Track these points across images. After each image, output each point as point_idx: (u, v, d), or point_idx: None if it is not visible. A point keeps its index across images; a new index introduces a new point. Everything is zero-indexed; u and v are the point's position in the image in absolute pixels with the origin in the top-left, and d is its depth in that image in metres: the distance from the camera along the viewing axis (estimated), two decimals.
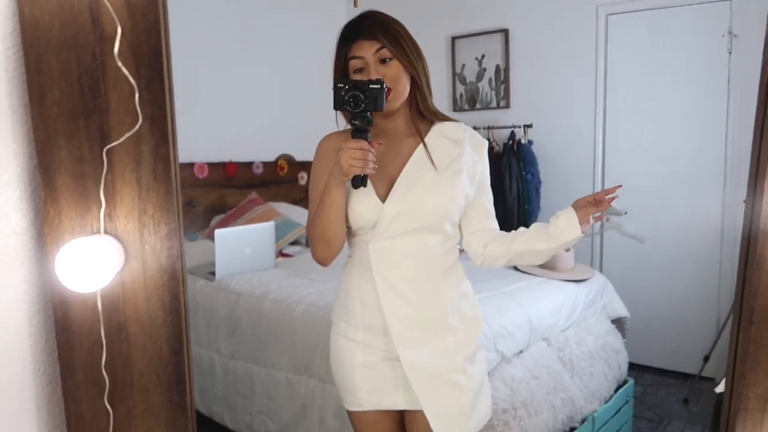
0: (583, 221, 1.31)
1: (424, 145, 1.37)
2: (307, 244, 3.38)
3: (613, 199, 1.32)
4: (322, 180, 1.32)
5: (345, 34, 1.35)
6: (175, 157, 0.77)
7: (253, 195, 3.46)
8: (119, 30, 0.72)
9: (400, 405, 1.40)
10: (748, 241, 0.84)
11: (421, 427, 1.38)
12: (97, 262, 0.73)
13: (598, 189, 3.52)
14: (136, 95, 0.73)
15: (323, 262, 1.38)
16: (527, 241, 1.39)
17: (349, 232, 1.41)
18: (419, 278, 1.37)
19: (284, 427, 2.38)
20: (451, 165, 1.37)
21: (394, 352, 1.36)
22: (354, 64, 1.32)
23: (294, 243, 3.36)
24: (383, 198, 1.34)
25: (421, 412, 1.37)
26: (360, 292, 1.39)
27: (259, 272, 2.79)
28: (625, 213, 3.45)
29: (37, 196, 0.79)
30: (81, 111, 0.74)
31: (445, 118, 1.44)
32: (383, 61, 1.31)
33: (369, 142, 1.21)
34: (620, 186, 1.33)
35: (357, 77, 1.32)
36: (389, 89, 1.28)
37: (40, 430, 0.83)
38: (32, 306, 0.81)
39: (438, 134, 1.40)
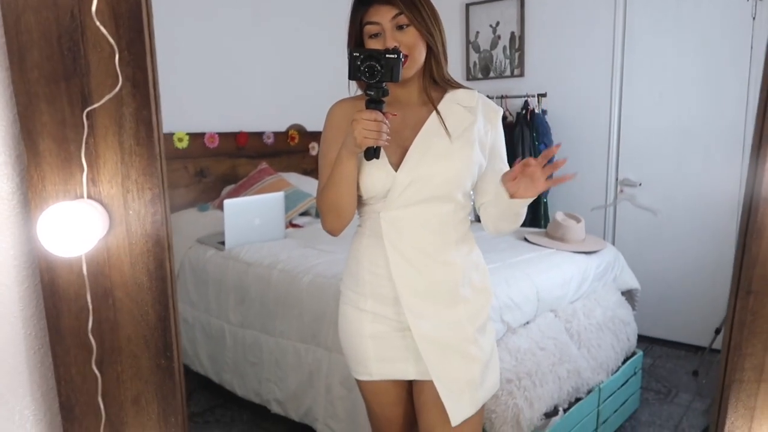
0: (515, 190, 1.23)
1: (437, 112, 1.33)
2: (317, 215, 3.38)
3: (557, 162, 1.20)
4: (333, 148, 1.30)
5: None
6: (159, 121, 0.76)
7: (264, 165, 3.45)
8: None
9: (410, 375, 1.39)
10: (749, 209, 0.80)
11: (429, 397, 1.38)
12: (80, 226, 0.72)
13: (613, 160, 3.46)
14: (116, 56, 0.72)
15: (333, 232, 1.36)
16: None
17: (360, 201, 1.38)
18: (431, 248, 1.34)
19: (292, 394, 2.41)
20: (465, 133, 1.33)
21: (404, 322, 1.35)
22: (369, 29, 1.27)
23: (304, 213, 3.36)
24: (396, 166, 1.30)
25: (429, 382, 1.36)
26: (370, 262, 1.37)
27: (268, 242, 2.80)
28: (640, 184, 3.39)
29: (21, 161, 0.78)
30: (61, 73, 0.73)
31: (459, 86, 1.39)
32: (400, 28, 1.26)
33: (383, 113, 1.17)
34: (559, 145, 1.25)
35: (372, 43, 1.27)
36: (405, 55, 1.24)
37: (33, 393, 0.84)
38: (20, 271, 0.82)
39: (451, 101, 1.36)
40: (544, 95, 3.49)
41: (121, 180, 0.76)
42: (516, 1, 3.57)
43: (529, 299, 2.45)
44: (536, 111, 3.45)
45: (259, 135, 3.62)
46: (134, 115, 0.74)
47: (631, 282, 3.08)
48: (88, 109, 0.71)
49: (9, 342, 0.81)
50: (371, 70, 1.16)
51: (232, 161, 3.49)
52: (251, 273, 2.60)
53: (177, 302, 0.79)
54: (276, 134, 3.71)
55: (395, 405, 1.46)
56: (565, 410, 2.33)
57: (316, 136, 3.91)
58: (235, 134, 3.49)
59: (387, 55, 1.15)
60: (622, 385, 2.75)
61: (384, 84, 1.17)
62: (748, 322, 0.82)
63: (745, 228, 0.80)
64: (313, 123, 3.87)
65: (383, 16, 1.25)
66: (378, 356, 1.39)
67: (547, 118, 3.47)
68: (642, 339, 3.18)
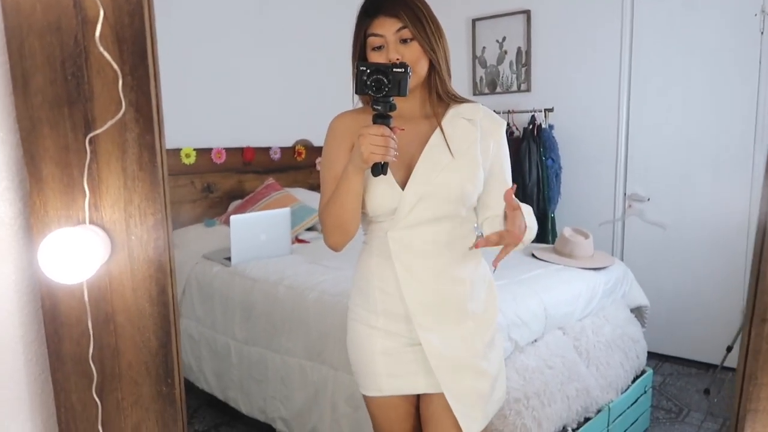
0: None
1: (441, 129, 1.33)
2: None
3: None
4: (336, 162, 1.30)
5: (366, 8, 1.30)
6: (162, 146, 0.75)
7: (270, 180, 3.45)
8: (101, 13, 0.70)
9: (420, 389, 1.40)
10: (763, 236, 0.78)
11: (437, 409, 1.38)
12: (81, 252, 0.71)
13: (621, 175, 3.43)
14: (120, 81, 0.71)
15: (336, 247, 1.35)
16: None
17: (365, 219, 1.38)
18: (440, 265, 1.34)
19: (297, 412, 2.39)
20: (469, 148, 1.33)
21: (415, 338, 1.36)
22: (373, 41, 1.27)
23: (310, 229, 3.36)
24: (401, 184, 1.30)
25: (438, 395, 1.37)
26: (380, 280, 1.37)
27: (274, 258, 2.79)
28: (648, 199, 3.36)
29: (24, 186, 0.78)
30: (65, 98, 0.72)
31: (464, 100, 1.39)
32: (404, 41, 1.26)
33: (391, 128, 1.16)
34: (515, 186, 1.23)
35: (374, 55, 1.27)
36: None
37: (34, 420, 0.83)
38: (22, 297, 0.81)
39: (455, 116, 1.36)
40: (551, 110, 3.48)
41: (123, 205, 0.75)
42: (522, 17, 3.57)
43: (536, 316, 2.42)
44: (543, 126, 3.44)
45: (266, 150, 3.63)
46: (137, 140, 0.73)
47: (641, 298, 3.05)
48: (91, 134, 0.71)
49: (10, 368, 0.80)
50: (378, 84, 1.14)
51: (239, 176, 3.50)
52: (257, 289, 2.59)
53: (179, 328, 0.78)
54: (283, 149, 3.72)
55: (403, 421, 1.46)
56: (574, 430, 2.30)
57: (322, 151, 3.91)
58: (241, 149, 3.50)
59: (394, 69, 1.14)
60: (632, 404, 2.71)
61: (391, 98, 1.15)
62: (763, 350, 0.80)
63: (759, 254, 0.78)
64: (320, 138, 3.85)
65: (388, 29, 1.26)
66: (389, 372, 1.39)
67: (554, 133, 3.46)
68: (652, 356, 3.14)
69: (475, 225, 1.43)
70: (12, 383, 0.82)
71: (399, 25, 1.25)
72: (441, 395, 1.36)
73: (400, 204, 1.29)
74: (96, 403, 0.78)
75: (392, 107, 1.15)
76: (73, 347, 0.78)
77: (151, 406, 0.80)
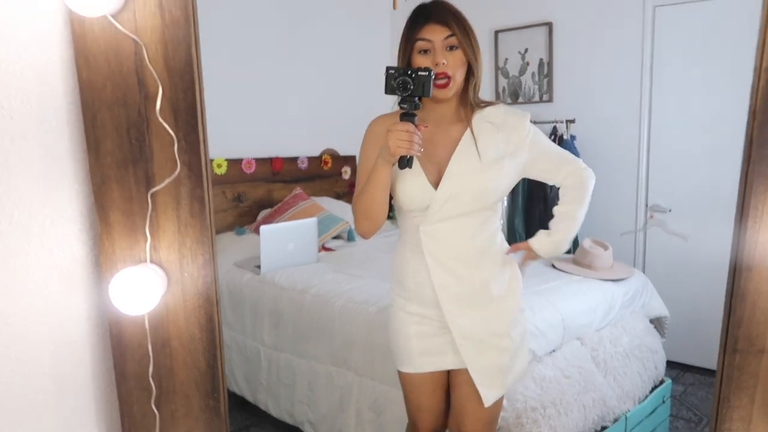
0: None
1: (472, 133, 1.49)
2: (349, 238, 3.51)
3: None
4: (371, 159, 1.47)
5: (417, 14, 1.44)
6: (209, 197, 0.90)
7: (298, 190, 3.61)
8: (161, 90, 0.85)
9: (448, 366, 1.60)
10: (734, 274, 0.89)
11: (463, 383, 1.59)
12: (145, 288, 0.87)
13: (642, 186, 3.50)
14: (175, 145, 0.86)
15: (365, 235, 1.55)
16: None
17: (400, 216, 1.58)
18: (467, 256, 1.53)
19: (323, 416, 2.53)
20: (497, 151, 1.49)
21: (444, 322, 1.55)
22: (421, 45, 1.40)
23: (336, 237, 3.50)
24: (433, 182, 1.47)
25: (464, 370, 1.56)
26: (414, 272, 1.56)
27: (301, 266, 2.94)
28: (670, 210, 3.42)
29: (94, 229, 0.93)
30: (129, 159, 0.88)
31: (487, 104, 1.55)
32: (449, 48, 1.39)
33: (416, 125, 1.31)
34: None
35: (420, 59, 1.41)
36: (449, 76, 1.39)
37: (100, 428, 0.99)
38: (91, 322, 0.97)
39: (481, 120, 1.52)
40: (572, 121, 3.56)
41: (178, 247, 0.90)
42: (544, 29, 3.66)
43: (554, 327, 2.52)
44: (565, 137, 3.53)
45: (294, 160, 3.79)
46: (189, 193, 0.88)
47: (660, 309, 3.11)
48: (153, 190, 0.86)
49: (81, 384, 0.96)
50: (404, 85, 1.30)
51: (268, 186, 3.67)
52: (285, 297, 2.75)
53: (223, 349, 0.92)
54: (310, 159, 3.87)
55: (432, 394, 1.66)
56: None
57: (349, 160, 4.07)
58: (270, 159, 3.67)
59: (419, 72, 1.30)
60: (650, 413, 2.78)
61: (416, 98, 1.31)
62: (735, 377, 0.91)
63: (731, 292, 0.90)
64: (346, 148, 4.03)
65: (437, 35, 1.39)
66: (421, 351, 1.59)
67: (576, 143, 3.54)
68: (674, 366, 3.19)
69: (501, 219, 1.66)
70: (83, 397, 0.98)
71: (448, 32, 1.38)
72: (466, 370, 1.56)
73: (432, 201, 1.46)
74: (154, 413, 0.93)
75: (417, 106, 1.31)
76: (135, 367, 0.93)
77: (200, 416, 0.95)
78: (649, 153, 3.45)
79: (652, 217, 3.49)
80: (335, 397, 2.50)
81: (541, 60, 3.73)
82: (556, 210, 1.69)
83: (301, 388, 2.62)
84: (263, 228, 2.89)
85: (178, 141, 0.86)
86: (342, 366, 2.50)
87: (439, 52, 1.37)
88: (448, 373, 1.65)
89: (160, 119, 0.84)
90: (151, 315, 0.90)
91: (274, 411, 2.73)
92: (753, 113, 0.86)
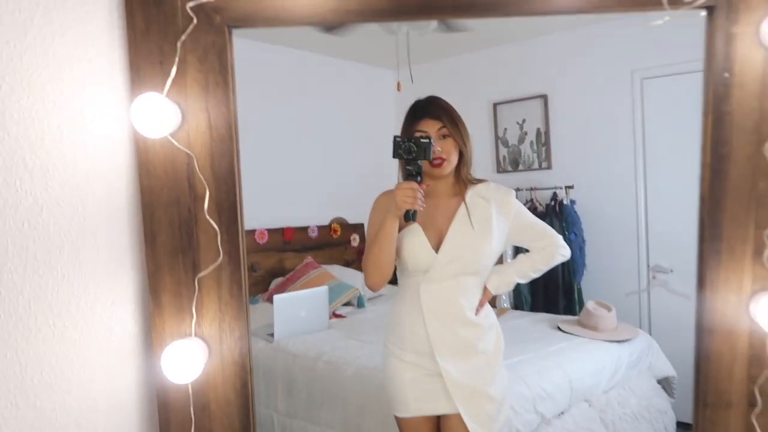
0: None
1: (467, 206, 1.79)
2: (359, 305, 3.67)
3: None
4: (377, 223, 1.74)
5: (414, 110, 1.79)
6: (245, 280, 1.09)
7: (309, 259, 3.79)
8: (207, 192, 1.05)
9: (440, 411, 1.80)
10: (699, 336, 1.06)
11: (454, 424, 1.78)
12: (190, 358, 1.04)
13: (643, 247, 3.66)
14: (219, 238, 1.05)
15: (374, 287, 1.80)
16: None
17: (402, 275, 1.84)
18: (459, 312, 1.77)
19: None
20: (486, 222, 1.78)
21: (437, 370, 1.76)
22: (418, 135, 1.72)
23: (347, 304, 3.65)
24: (434, 246, 1.75)
25: (455, 415, 1.76)
26: (411, 324, 1.79)
27: (313, 333, 3.08)
28: (671, 270, 3.57)
29: (146, 309, 1.12)
30: (180, 249, 1.07)
31: (479, 181, 1.86)
32: (443, 137, 1.73)
33: (419, 184, 1.59)
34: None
35: None
36: (443, 159, 1.71)
37: None
38: (141, 390, 1.13)
39: (475, 195, 1.82)
40: (571, 187, 3.77)
41: (218, 323, 1.07)
42: (540, 101, 3.94)
43: (561, 389, 2.63)
44: (564, 202, 3.73)
45: (304, 229, 4.00)
46: (229, 277, 1.07)
47: (667, 369, 3.20)
48: (199, 275, 1.04)
49: None
50: (408, 149, 1.58)
51: (280, 255, 3.86)
52: (298, 364, 2.88)
53: (255, 412, 1.08)
54: (319, 227, 4.08)
55: None
56: None
57: (357, 228, 4.27)
58: (282, 229, 3.87)
59: (422, 140, 1.59)
60: None
61: (419, 161, 1.59)
62: (708, 429, 1.05)
63: (698, 352, 1.05)
64: (354, 216, 4.24)
65: (431, 128, 1.74)
66: (416, 397, 1.80)
67: (576, 208, 3.74)
68: (686, 427, 3.25)
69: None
70: None
71: (440, 125, 1.73)
72: (457, 416, 1.75)
73: (434, 264, 1.74)
74: None
75: (419, 168, 1.60)
76: (178, 429, 1.09)
77: None
78: (647, 215, 3.63)
79: (654, 277, 3.63)
80: None
81: (538, 129, 3.98)
82: (519, 255, 1.95)
83: None
84: (276, 297, 3.05)
85: (221, 234, 1.05)
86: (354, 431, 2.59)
87: (434, 140, 1.69)
88: (439, 420, 1.84)
89: (207, 216, 1.03)
90: (194, 382, 1.07)
91: None
92: (702, 200, 1.05)
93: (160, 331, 1.08)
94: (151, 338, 1.09)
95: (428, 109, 1.76)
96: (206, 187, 1.04)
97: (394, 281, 1.99)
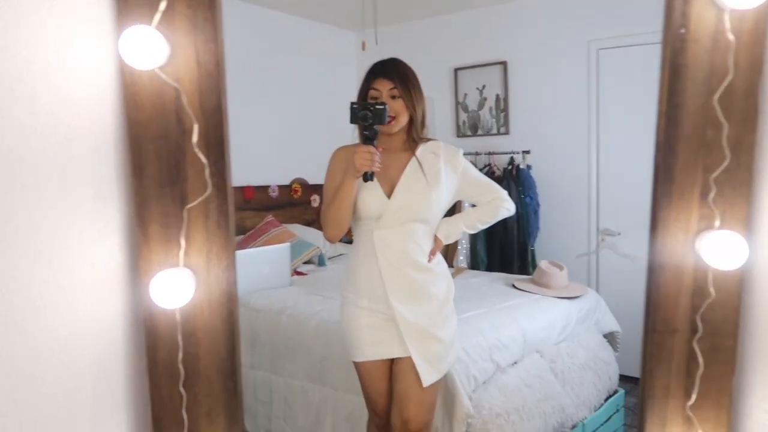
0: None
1: (417, 159, 1.94)
2: (320, 263, 3.73)
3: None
4: (336, 177, 1.87)
5: (372, 70, 1.91)
6: (232, 212, 1.13)
7: (270, 217, 3.82)
8: (195, 126, 1.08)
9: (395, 354, 1.94)
10: (650, 270, 1.17)
11: (406, 370, 1.93)
12: (178, 287, 1.08)
13: (594, 211, 3.85)
14: (206, 170, 1.09)
15: (332, 239, 1.94)
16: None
17: (357, 224, 1.95)
18: (411, 257, 1.91)
19: (300, 430, 2.71)
20: (436, 175, 1.93)
21: (391, 314, 1.90)
22: (372, 93, 1.88)
23: (307, 262, 3.71)
24: (387, 195, 1.89)
25: (407, 358, 1.92)
26: (365, 270, 1.93)
27: (276, 290, 3.14)
28: (619, 233, 3.77)
29: (134, 240, 1.15)
30: (167, 181, 1.10)
31: (429, 140, 2.01)
32: (393, 97, 1.86)
33: (375, 147, 1.72)
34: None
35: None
36: (393, 117, 1.84)
37: (135, 407, 1.19)
38: (127, 318, 1.17)
39: (425, 151, 1.97)
40: (528, 152, 3.92)
41: (205, 253, 1.12)
42: (500, 67, 4.04)
43: (515, 340, 2.79)
44: (521, 166, 3.87)
45: (265, 188, 4.01)
46: (217, 209, 1.11)
47: (613, 325, 3.42)
48: (188, 206, 1.08)
49: (116, 369, 1.17)
50: (365, 116, 1.70)
51: (240, 213, 3.87)
52: (261, 318, 2.94)
53: (246, 338, 1.14)
54: (280, 187, 4.10)
55: (382, 380, 2.00)
56: None
57: (317, 189, 4.30)
58: (242, 188, 3.87)
59: (377, 106, 1.71)
60: (605, 421, 3.06)
61: (375, 126, 1.71)
62: (655, 353, 1.17)
63: (649, 284, 1.17)
64: (314, 176, 4.28)
65: (383, 87, 1.86)
66: (371, 341, 1.94)
67: (532, 172, 3.89)
68: (627, 380, 3.48)
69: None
70: (117, 380, 1.18)
71: (391, 85, 1.86)
72: (408, 358, 1.90)
73: (386, 210, 1.88)
74: (182, 395, 1.13)
75: (376, 132, 1.73)
76: (166, 355, 1.14)
77: (220, 397, 1.16)
78: (599, 181, 3.81)
79: (603, 240, 3.83)
80: (311, 411, 2.69)
81: (497, 95, 4.09)
82: (467, 208, 2.18)
83: (277, 404, 2.79)
84: (239, 253, 3.05)
85: (209, 167, 1.09)
86: (317, 382, 2.69)
87: (385, 99, 1.84)
88: (392, 363, 1.98)
89: (196, 149, 1.07)
90: (181, 310, 1.12)
91: (251, 428, 2.89)
92: (658, 146, 1.15)
93: (148, 260, 1.11)
94: (138, 268, 1.13)
95: (383, 70, 1.88)
96: (194, 121, 1.08)
97: (350, 241, 2.10)
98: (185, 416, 1.14)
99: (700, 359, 1.15)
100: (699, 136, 1.15)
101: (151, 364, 1.14)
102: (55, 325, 1.10)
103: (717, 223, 1.14)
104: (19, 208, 1.05)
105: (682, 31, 1.12)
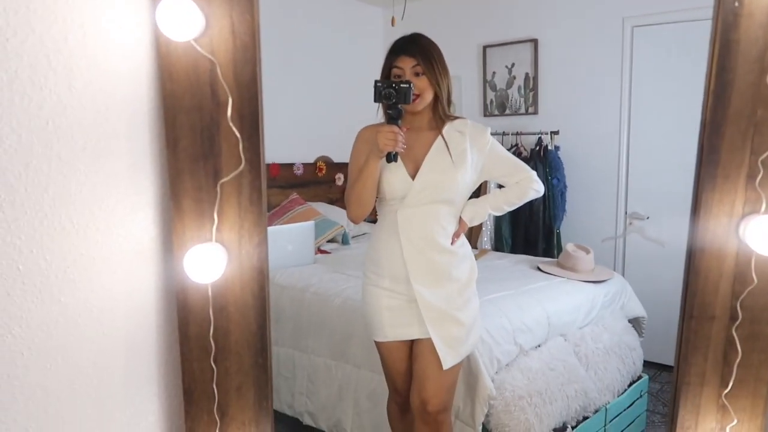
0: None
1: (443, 139, 1.88)
2: (344, 242, 3.73)
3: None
4: (361, 157, 1.83)
5: (394, 47, 1.85)
6: (264, 188, 1.12)
7: (295, 195, 3.82)
8: (230, 99, 1.07)
9: (414, 335, 1.92)
10: (690, 254, 1.14)
11: (426, 352, 1.89)
12: (211, 261, 1.08)
13: (622, 194, 3.78)
14: (240, 145, 1.08)
15: (356, 220, 1.92)
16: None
17: (381, 204, 1.92)
18: (434, 238, 1.87)
19: (322, 407, 2.73)
20: (461, 154, 1.87)
21: (412, 295, 1.87)
22: (395, 71, 1.82)
23: (331, 240, 3.71)
24: (411, 175, 1.84)
25: (427, 339, 1.87)
26: (387, 250, 1.90)
27: (300, 267, 3.15)
28: (648, 218, 3.70)
29: (167, 214, 1.15)
30: (201, 155, 1.09)
31: (456, 118, 1.94)
32: (417, 74, 1.79)
33: (399, 127, 1.68)
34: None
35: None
36: (417, 95, 1.77)
37: (167, 380, 1.20)
38: (159, 291, 1.18)
39: (451, 129, 1.91)
40: (556, 132, 3.84)
41: (237, 229, 1.12)
42: (530, 45, 3.95)
43: (540, 323, 2.76)
44: (549, 147, 3.80)
45: (290, 166, 4.00)
46: (249, 185, 1.10)
47: (638, 310, 3.37)
48: (222, 181, 1.08)
49: (149, 342, 1.18)
50: (389, 95, 1.66)
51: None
52: (285, 295, 2.95)
53: (271, 315, 1.14)
54: (305, 165, 4.09)
55: (402, 360, 1.99)
56: (573, 427, 2.62)
57: (342, 167, 4.29)
58: (267, 165, 3.87)
59: (402, 85, 1.67)
60: (629, 406, 3.03)
61: (399, 105, 1.68)
62: (692, 339, 1.15)
63: (687, 269, 1.14)
64: (339, 155, 4.26)
65: (406, 64, 1.79)
66: (391, 322, 1.92)
67: (560, 154, 3.82)
68: (651, 366, 3.44)
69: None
70: (150, 354, 1.19)
71: (414, 62, 1.78)
72: (428, 340, 1.87)
73: (410, 190, 1.83)
74: (212, 369, 1.14)
75: (400, 112, 1.68)
76: (197, 328, 1.14)
77: (250, 372, 1.17)
78: (629, 163, 3.73)
79: (631, 224, 3.77)
80: (334, 388, 2.70)
81: (527, 74, 4.01)
82: (494, 189, 2.08)
83: (300, 381, 2.81)
84: None
85: (243, 141, 1.08)
86: (340, 359, 2.70)
87: (408, 77, 1.77)
88: (412, 343, 1.96)
89: (230, 123, 1.06)
90: (213, 285, 1.12)
91: (275, 403, 2.91)
92: (704, 125, 1.11)
93: (181, 234, 1.12)
94: (171, 242, 1.13)
95: (406, 47, 1.81)
96: (229, 94, 1.07)
97: (375, 220, 2.07)
98: (215, 390, 1.15)
99: (739, 347, 1.13)
100: (748, 116, 1.11)
101: (182, 337, 1.15)
102: (89, 297, 1.11)
103: (763, 207, 1.10)
104: (56, 180, 1.05)
105: (736, 4, 1.08)
